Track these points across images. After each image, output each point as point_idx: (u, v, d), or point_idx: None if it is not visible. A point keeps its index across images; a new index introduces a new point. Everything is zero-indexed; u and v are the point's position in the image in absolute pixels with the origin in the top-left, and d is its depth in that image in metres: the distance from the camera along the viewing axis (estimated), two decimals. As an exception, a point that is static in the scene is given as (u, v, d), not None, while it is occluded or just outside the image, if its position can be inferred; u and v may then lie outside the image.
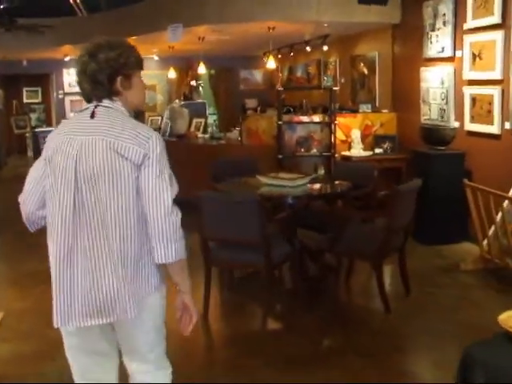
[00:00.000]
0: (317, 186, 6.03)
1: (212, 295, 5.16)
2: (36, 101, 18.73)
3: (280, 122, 8.28)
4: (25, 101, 18.60)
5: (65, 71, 15.47)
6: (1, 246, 8.09)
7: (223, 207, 4.76)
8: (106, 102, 2.35)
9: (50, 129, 15.60)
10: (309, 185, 5.86)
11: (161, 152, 2.31)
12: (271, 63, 10.37)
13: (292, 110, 12.12)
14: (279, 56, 13.29)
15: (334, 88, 8.68)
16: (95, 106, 2.33)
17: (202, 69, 11.26)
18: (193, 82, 12.06)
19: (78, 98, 15.22)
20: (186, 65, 13.14)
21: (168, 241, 2.26)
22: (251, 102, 15.78)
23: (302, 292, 5.53)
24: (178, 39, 8.94)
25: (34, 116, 18.43)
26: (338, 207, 6.11)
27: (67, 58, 14.20)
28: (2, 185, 13.36)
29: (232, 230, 4.76)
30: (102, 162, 2.23)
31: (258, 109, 15.33)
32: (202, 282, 5.04)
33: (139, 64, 2.47)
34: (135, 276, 2.28)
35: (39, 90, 18.58)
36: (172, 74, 13.00)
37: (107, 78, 2.33)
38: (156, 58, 14.80)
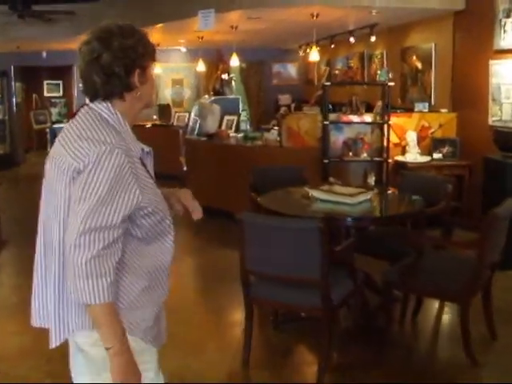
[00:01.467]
0: (379, 201, 4.96)
1: (254, 335, 4.12)
2: (57, 94, 17.87)
3: (326, 122, 7.20)
4: (45, 94, 17.75)
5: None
6: (18, 249, 7.30)
7: (271, 234, 3.69)
8: (95, 103, 2.05)
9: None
10: (369, 201, 4.78)
11: (96, 170, 1.89)
12: (314, 55, 9.25)
13: (331, 107, 11.13)
14: (318, 48, 12.19)
15: (390, 83, 7.55)
16: (81, 106, 2.09)
17: (234, 61, 10.19)
18: (224, 76, 10.97)
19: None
20: (216, 57, 12.08)
21: (75, 276, 1.87)
22: (285, 98, 14.75)
23: (365, 336, 4.46)
24: (210, 26, 7.92)
25: (54, 111, 17.61)
26: (407, 230, 5.00)
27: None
28: (20, 183, 12.42)
29: (282, 263, 3.72)
30: (48, 172, 2.06)
31: (292, 105, 14.32)
32: (240, 318, 4.04)
33: (154, 55, 2.13)
34: (61, 301, 2.03)
35: (60, 83, 17.71)
36: (201, 66, 11.93)
37: (124, 69, 2.00)
38: (183, 49, 13.79)
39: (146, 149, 2.11)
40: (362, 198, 4.67)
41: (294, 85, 15.30)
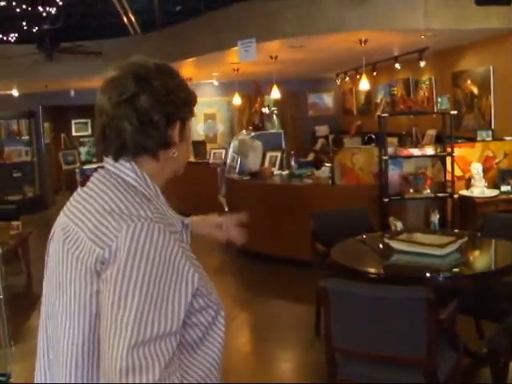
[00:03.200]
0: (471, 252, 4.29)
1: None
2: (86, 133, 17.45)
3: (385, 157, 6.55)
4: (74, 134, 17.36)
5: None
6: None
7: (366, 306, 3.03)
8: (111, 162, 1.50)
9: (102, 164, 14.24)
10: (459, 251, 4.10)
11: (134, 258, 1.31)
12: (364, 84, 8.60)
13: (374, 137, 10.50)
14: (357, 76, 11.62)
15: (452, 112, 6.89)
16: (96, 169, 1.53)
17: (275, 93, 9.59)
18: (265, 109, 10.39)
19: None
20: (253, 89, 11.54)
21: None
22: (322, 129, 14.21)
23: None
24: (252, 57, 7.37)
25: (83, 150, 17.20)
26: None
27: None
28: (51, 228, 11.93)
29: (379, 340, 3.04)
30: (56, 259, 1.47)
31: (331, 136, 13.76)
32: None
33: (195, 105, 1.60)
34: None
35: (89, 121, 17.29)
36: (237, 100, 11.37)
37: (165, 118, 1.47)
38: (216, 82, 13.29)
39: (186, 221, 1.54)
40: (451, 248, 4.00)
41: (330, 115, 14.73)
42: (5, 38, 9.86)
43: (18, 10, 7.97)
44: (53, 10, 8.25)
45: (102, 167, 1.52)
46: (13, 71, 10.48)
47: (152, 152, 1.50)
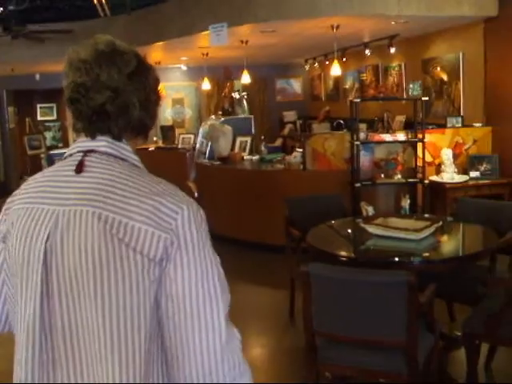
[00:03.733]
0: (447, 236, 4.33)
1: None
2: (51, 118, 17.16)
3: (357, 142, 6.57)
4: (39, 118, 17.04)
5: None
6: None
7: (346, 290, 3.03)
8: (104, 144, 1.39)
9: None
10: (434, 236, 4.14)
11: (200, 235, 1.35)
12: (336, 69, 8.58)
13: (343, 123, 10.52)
14: (326, 62, 11.62)
15: (424, 98, 6.93)
16: (85, 153, 1.38)
17: (246, 78, 9.52)
18: (235, 94, 10.32)
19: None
20: (221, 74, 11.46)
21: None
22: (290, 115, 14.18)
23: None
24: (223, 42, 7.29)
25: (49, 135, 16.92)
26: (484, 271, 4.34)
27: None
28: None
29: (359, 324, 3.05)
30: (91, 253, 1.25)
31: (298, 122, 13.75)
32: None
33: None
34: None
35: (54, 106, 17.00)
36: (206, 85, 11.26)
37: (143, 99, 1.44)
38: (184, 67, 13.17)
39: None
40: (426, 232, 4.03)
41: (298, 101, 14.72)
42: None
43: (-18, -10, 7.76)
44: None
45: (92, 151, 1.40)
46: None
47: (147, 131, 1.49)
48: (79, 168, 1.37)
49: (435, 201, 7.10)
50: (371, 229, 4.16)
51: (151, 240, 1.28)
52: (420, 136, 6.73)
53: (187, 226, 1.33)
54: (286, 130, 13.45)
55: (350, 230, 4.66)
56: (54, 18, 9.81)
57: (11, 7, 9.04)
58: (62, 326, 1.32)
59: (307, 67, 13.13)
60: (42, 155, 15.80)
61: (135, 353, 1.28)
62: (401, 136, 6.83)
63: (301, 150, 7.36)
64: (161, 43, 9.55)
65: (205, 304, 1.32)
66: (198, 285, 1.32)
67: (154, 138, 12.36)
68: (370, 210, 6.16)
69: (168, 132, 11.65)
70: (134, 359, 1.28)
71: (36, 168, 16.28)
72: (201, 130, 9.56)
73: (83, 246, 1.29)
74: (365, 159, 6.83)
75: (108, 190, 1.32)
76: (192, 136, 11.03)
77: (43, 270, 1.33)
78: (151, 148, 11.57)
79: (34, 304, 1.33)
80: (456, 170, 7.06)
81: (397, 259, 3.86)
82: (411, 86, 9.06)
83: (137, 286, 1.28)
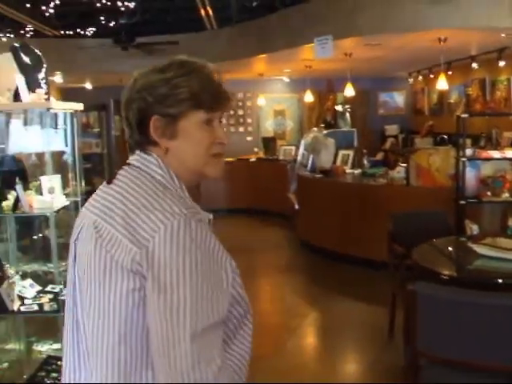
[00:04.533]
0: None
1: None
2: (154, 127, 17.64)
3: (463, 159, 6.39)
4: (143, 127, 17.57)
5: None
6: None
7: (459, 311, 2.94)
8: (135, 158, 1.52)
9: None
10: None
11: (181, 259, 1.32)
12: (442, 83, 8.41)
13: (447, 138, 10.27)
14: (431, 76, 11.40)
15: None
16: (125, 166, 1.53)
17: (349, 91, 9.48)
18: (338, 107, 10.30)
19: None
20: (324, 86, 11.45)
21: None
22: (392, 129, 13.98)
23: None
24: (329, 54, 7.30)
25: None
26: None
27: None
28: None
29: (472, 347, 2.95)
30: (87, 257, 1.45)
31: (400, 136, 13.54)
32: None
33: (199, 100, 1.49)
34: None
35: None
36: (309, 97, 11.28)
37: (136, 116, 1.51)
38: (286, 79, 13.25)
39: (210, 216, 1.53)
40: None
41: (400, 114, 14.50)
42: (82, 32, 10.08)
43: (97, 4, 8.11)
44: (131, 5, 8.36)
45: (128, 164, 1.52)
46: (88, 65, 10.70)
47: (140, 151, 1.54)
48: (109, 180, 1.52)
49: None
50: (479, 249, 4.04)
51: (125, 251, 1.36)
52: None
53: (163, 246, 1.34)
54: (388, 144, 13.27)
55: (455, 249, 4.53)
56: (161, 31, 10.11)
57: (122, 21, 9.38)
58: (77, 320, 1.53)
59: (411, 80, 12.94)
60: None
61: (108, 351, 1.41)
62: (509, 153, 6.58)
63: (404, 164, 7.23)
64: (264, 55, 9.66)
65: (167, 325, 1.31)
66: (166, 302, 1.32)
67: (255, 149, 12.49)
68: (475, 229, 5.98)
69: (269, 143, 11.74)
70: (106, 357, 1.42)
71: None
72: (303, 142, 9.57)
73: (84, 250, 1.48)
74: (470, 176, 6.61)
75: (114, 202, 1.45)
76: (293, 148, 11.06)
77: (73, 265, 1.55)
78: (252, 159, 11.68)
79: (68, 295, 1.57)
80: None
81: (507, 281, 3.72)
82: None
83: (114, 294, 1.39)
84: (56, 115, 3.50)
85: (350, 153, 8.67)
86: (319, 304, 6.37)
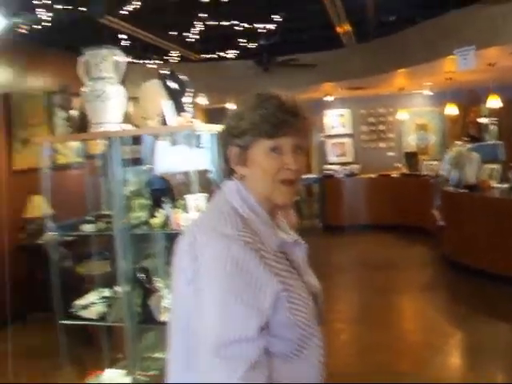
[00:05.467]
0: None
1: None
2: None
3: None
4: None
5: (326, 112, 14.14)
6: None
7: None
8: (223, 183, 1.75)
9: (310, 176, 14.54)
10: None
11: (213, 275, 1.52)
12: None
13: None
14: None
15: None
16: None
17: (494, 102, 9.15)
18: (483, 119, 9.96)
19: (340, 140, 13.96)
20: (466, 98, 11.10)
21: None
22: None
23: None
24: (471, 65, 7.11)
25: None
26: None
27: (328, 98, 13.01)
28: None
29: None
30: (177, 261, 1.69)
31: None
32: None
33: (259, 130, 1.64)
34: None
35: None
36: (452, 109, 10.97)
37: (222, 145, 1.73)
38: (427, 92, 12.99)
39: (290, 239, 1.72)
40: None
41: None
42: (224, 55, 10.42)
43: (238, 28, 8.36)
44: (271, 26, 8.55)
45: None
46: (230, 85, 11.06)
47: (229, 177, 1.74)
48: (209, 198, 1.83)
49: None
50: None
51: (186, 263, 1.60)
52: None
53: (205, 263, 1.55)
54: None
55: None
56: (300, 50, 10.27)
57: (262, 42, 9.62)
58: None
59: None
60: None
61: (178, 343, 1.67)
62: None
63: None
64: (404, 70, 9.56)
65: (198, 331, 1.55)
66: (198, 311, 1.54)
67: (397, 165, 12.31)
68: None
69: (412, 158, 11.55)
70: (176, 347, 1.69)
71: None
72: (446, 157, 9.34)
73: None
74: None
75: (195, 220, 1.83)
76: (436, 162, 10.82)
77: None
78: (394, 175, 11.55)
79: None
80: None
81: None
82: None
83: (180, 295, 1.65)
84: (199, 135, 3.67)
85: (496, 167, 8.35)
86: (463, 323, 6.18)
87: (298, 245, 1.74)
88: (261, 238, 1.59)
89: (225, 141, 1.71)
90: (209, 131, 3.70)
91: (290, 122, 1.63)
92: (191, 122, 3.34)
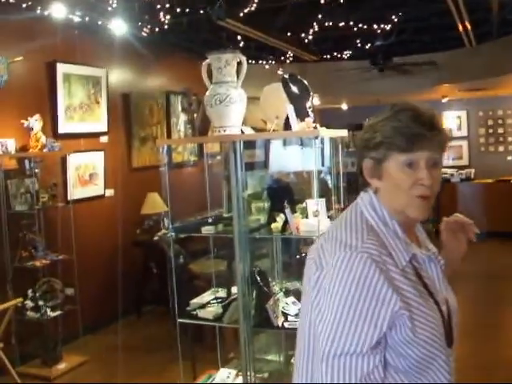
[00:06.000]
0: None
1: None
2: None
3: None
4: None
5: (442, 114, 13.72)
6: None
7: None
8: (359, 195, 1.73)
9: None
10: None
11: (338, 284, 1.50)
12: None
13: None
14: None
15: None
16: None
17: None
18: None
19: (456, 143, 13.50)
20: None
21: None
22: None
23: None
24: None
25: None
26: None
27: (444, 100, 12.64)
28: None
29: None
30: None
31: None
32: None
33: (392, 143, 1.58)
34: None
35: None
36: None
37: (358, 156, 1.71)
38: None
39: (424, 254, 1.67)
40: None
41: None
42: (339, 56, 10.33)
43: (354, 28, 8.26)
44: (387, 27, 8.39)
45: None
46: (344, 86, 10.97)
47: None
48: (343, 209, 1.82)
49: None
50: None
51: (313, 271, 1.62)
52: None
53: (329, 273, 1.54)
54: None
55: None
56: (418, 50, 10.03)
57: (378, 42, 9.48)
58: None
59: None
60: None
61: (301, 348, 1.67)
62: None
63: None
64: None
65: (318, 337, 1.54)
66: (317, 319, 1.55)
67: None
68: None
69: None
70: (300, 352, 1.69)
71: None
72: None
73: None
74: None
75: (328, 230, 1.73)
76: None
77: None
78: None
79: None
80: None
81: None
82: None
83: (306, 301, 1.66)
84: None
85: None
86: None
87: (432, 260, 1.69)
88: (389, 252, 1.56)
89: (361, 153, 1.68)
90: (331, 136, 3.67)
91: (425, 136, 1.57)
92: (315, 128, 3.31)
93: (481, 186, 11.89)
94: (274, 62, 9.87)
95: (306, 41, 8.84)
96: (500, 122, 13.38)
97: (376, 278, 1.48)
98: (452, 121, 13.70)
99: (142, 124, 7.93)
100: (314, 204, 3.39)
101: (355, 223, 1.62)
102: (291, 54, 9.68)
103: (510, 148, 13.27)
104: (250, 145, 3.87)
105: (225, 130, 3.40)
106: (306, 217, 3.53)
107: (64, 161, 6.52)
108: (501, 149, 13.37)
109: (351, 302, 1.47)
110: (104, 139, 7.26)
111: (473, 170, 12.90)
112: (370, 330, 1.46)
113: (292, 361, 4.45)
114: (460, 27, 8.17)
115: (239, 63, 3.45)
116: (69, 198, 6.41)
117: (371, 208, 1.65)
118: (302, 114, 3.42)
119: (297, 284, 4.16)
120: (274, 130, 3.51)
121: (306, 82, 3.67)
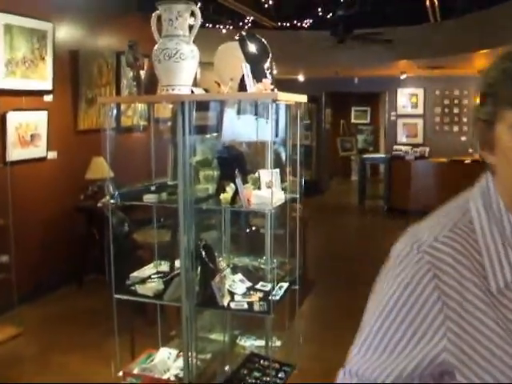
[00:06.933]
0: None
1: None
2: (364, 121, 17.47)
3: None
4: (352, 121, 17.45)
5: (399, 90, 13.69)
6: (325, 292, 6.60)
7: None
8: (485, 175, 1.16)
9: (378, 155, 14.11)
10: None
11: (384, 277, 1.14)
12: None
13: None
14: None
15: None
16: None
17: None
18: None
19: (411, 120, 13.49)
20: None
21: None
22: None
23: None
24: None
25: (360, 138, 17.26)
26: None
27: (403, 76, 12.55)
28: (324, 213, 11.93)
29: None
30: None
31: None
32: None
33: (497, 94, 1.02)
34: None
35: (368, 110, 17.27)
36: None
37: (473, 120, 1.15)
38: None
39: None
40: None
41: None
42: (299, 24, 10.06)
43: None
44: (350, -4, 8.17)
45: None
46: (302, 57, 10.69)
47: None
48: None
49: None
50: None
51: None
52: None
53: (385, 268, 1.17)
54: None
55: None
56: (380, 23, 9.81)
57: (340, 13, 9.23)
58: None
59: None
60: (353, 157, 16.22)
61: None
62: None
63: None
64: (486, 51, 9.01)
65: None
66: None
67: (470, 150, 11.81)
68: None
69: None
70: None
71: (346, 169, 16.76)
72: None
73: None
74: None
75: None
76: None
77: None
78: (467, 161, 11.04)
79: None
80: None
81: None
82: None
83: None
84: (268, 105, 3.35)
85: None
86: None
87: None
88: (482, 263, 1.07)
89: (475, 113, 1.14)
90: (288, 102, 3.40)
91: None
92: (272, 90, 3.02)
93: (435, 164, 11.81)
94: (231, 27, 9.52)
95: (266, 6, 8.54)
96: (456, 101, 13.38)
97: (425, 294, 1.06)
98: (408, 98, 13.67)
99: (89, 84, 7.51)
100: (268, 174, 3.13)
101: (447, 213, 1.17)
102: (250, 20, 9.36)
103: (465, 128, 13.27)
104: (201, 107, 3.54)
105: (173, 89, 3.08)
106: (259, 188, 3.25)
107: (3, 119, 6.09)
108: (455, 129, 13.39)
109: (394, 312, 1.09)
110: (48, 98, 6.83)
111: (427, 149, 12.88)
112: (395, 363, 1.08)
113: (237, 341, 4.24)
114: (427, 1, 7.97)
115: (193, 15, 3.12)
116: (7, 159, 6.00)
117: (481, 197, 1.14)
118: (259, 76, 3.13)
119: (245, 260, 3.91)
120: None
121: (265, 41, 3.38)
